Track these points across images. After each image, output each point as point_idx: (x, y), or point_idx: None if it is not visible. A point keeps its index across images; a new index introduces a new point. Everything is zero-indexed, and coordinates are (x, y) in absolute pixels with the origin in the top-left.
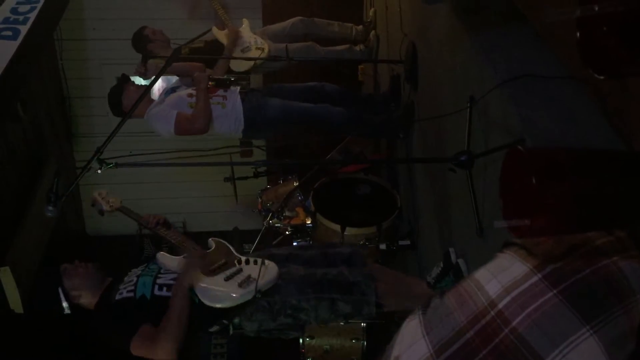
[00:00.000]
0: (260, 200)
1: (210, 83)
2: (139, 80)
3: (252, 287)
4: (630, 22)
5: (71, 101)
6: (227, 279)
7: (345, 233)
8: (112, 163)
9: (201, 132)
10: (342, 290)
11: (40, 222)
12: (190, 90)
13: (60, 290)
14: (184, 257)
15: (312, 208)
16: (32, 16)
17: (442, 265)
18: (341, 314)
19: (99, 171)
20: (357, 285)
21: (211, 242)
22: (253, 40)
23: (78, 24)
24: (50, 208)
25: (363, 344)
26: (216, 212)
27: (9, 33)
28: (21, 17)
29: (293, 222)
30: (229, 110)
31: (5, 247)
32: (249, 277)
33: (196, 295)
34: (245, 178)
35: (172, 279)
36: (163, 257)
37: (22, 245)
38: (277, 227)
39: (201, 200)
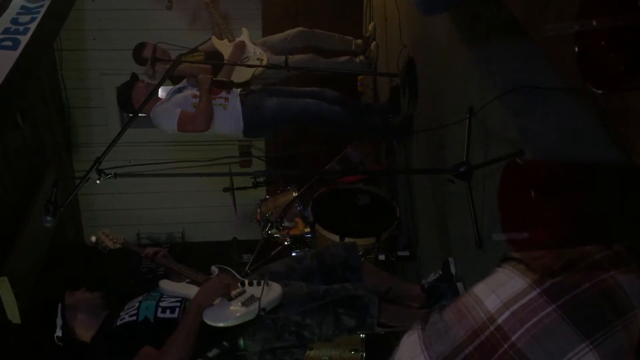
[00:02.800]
0: (259, 210)
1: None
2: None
3: (255, 305)
4: (629, 37)
5: (71, 111)
6: (230, 299)
7: None
8: (111, 173)
9: (202, 130)
10: (345, 305)
11: (38, 232)
12: (194, 91)
13: (57, 321)
14: (186, 282)
15: (311, 218)
16: (33, 27)
17: (440, 272)
18: (345, 329)
19: (98, 181)
20: (360, 299)
21: (214, 269)
22: (252, 51)
23: (78, 34)
24: (49, 218)
25: (362, 355)
26: (215, 222)
27: (9, 43)
28: (21, 28)
29: (292, 232)
30: (230, 111)
31: (3, 257)
32: (252, 296)
33: None
34: (245, 188)
35: (175, 302)
36: (166, 283)
37: (20, 255)
38: (276, 237)
39: (200, 211)
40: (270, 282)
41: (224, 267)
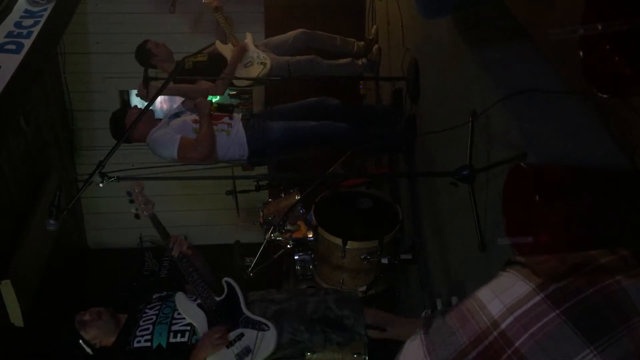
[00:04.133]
0: (262, 213)
1: (213, 106)
2: (142, 103)
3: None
4: (634, 41)
5: (74, 114)
6: (228, 346)
7: (346, 247)
8: (114, 177)
9: (205, 157)
10: (332, 325)
11: (41, 235)
12: (195, 116)
13: (82, 342)
14: (197, 304)
15: (314, 222)
16: (36, 30)
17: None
18: (334, 343)
19: (101, 185)
20: (346, 318)
21: (225, 285)
22: (256, 55)
23: (81, 37)
24: (52, 222)
25: (365, 358)
26: (218, 225)
27: (13, 47)
28: (25, 31)
29: (294, 235)
30: (233, 137)
31: (7, 260)
32: (247, 348)
33: None
34: (247, 191)
35: (186, 325)
36: (180, 300)
37: (23, 258)
38: (279, 240)
39: (203, 214)
40: (267, 325)
41: (234, 286)
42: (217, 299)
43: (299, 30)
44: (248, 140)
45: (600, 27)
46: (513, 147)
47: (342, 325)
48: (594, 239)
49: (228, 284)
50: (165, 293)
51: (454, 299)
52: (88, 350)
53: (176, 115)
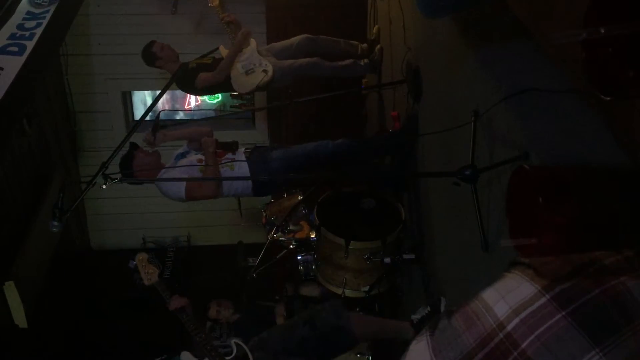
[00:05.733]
0: (264, 214)
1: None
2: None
3: None
4: (637, 43)
5: (76, 116)
6: None
7: (349, 247)
8: (117, 178)
9: (211, 196)
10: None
11: (45, 236)
12: (199, 156)
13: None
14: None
15: (317, 222)
16: (38, 32)
17: (429, 309)
18: None
19: (104, 186)
20: (333, 333)
21: (234, 347)
22: (258, 62)
23: (84, 39)
24: (55, 223)
25: (368, 358)
26: (221, 225)
27: (15, 49)
28: (27, 33)
29: (297, 235)
30: (237, 173)
31: (10, 262)
32: None
33: None
34: None
35: None
36: (187, 357)
37: (26, 259)
38: (282, 241)
39: (206, 214)
40: None
41: (243, 346)
42: (227, 358)
43: (303, 35)
44: (251, 172)
45: (603, 31)
46: (515, 147)
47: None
48: (598, 239)
49: (237, 345)
50: (166, 356)
51: (443, 301)
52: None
53: (182, 155)
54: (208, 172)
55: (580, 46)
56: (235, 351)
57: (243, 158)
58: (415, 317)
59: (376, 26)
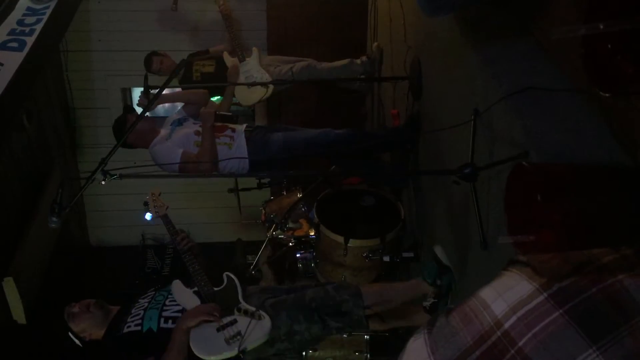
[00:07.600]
0: (263, 211)
1: (217, 124)
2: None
3: (237, 344)
4: (636, 40)
5: (76, 112)
6: (219, 329)
7: (348, 245)
8: (116, 174)
9: (206, 172)
10: (330, 312)
11: (44, 232)
12: (197, 128)
13: (70, 334)
14: (193, 291)
15: (316, 219)
16: (38, 28)
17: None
18: (333, 328)
19: (103, 182)
20: (345, 302)
21: (225, 278)
22: (259, 75)
23: (84, 35)
24: (54, 219)
25: (366, 356)
26: (220, 223)
27: (15, 44)
28: (27, 29)
29: (296, 233)
30: (234, 151)
31: (9, 258)
32: (238, 333)
33: None
34: (249, 189)
35: (177, 311)
36: (177, 286)
37: (25, 256)
38: (281, 238)
39: (205, 211)
40: (262, 315)
41: (234, 279)
42: (215, 289)
43: (304, 62)
44: (250, 153)
45: (602, 27)
46: (515, 145)
47: (341, 311)
48: (596, 237)
49: (228, 276)
50: (159, 286)
51: (438, 249)
52: (77, 342)
53: (178, 121)
54: (204, 148)
55: (579, 42)
56: (225, 282)
57: (243, 137)
58: (427, 303)
59: (375, 43)
